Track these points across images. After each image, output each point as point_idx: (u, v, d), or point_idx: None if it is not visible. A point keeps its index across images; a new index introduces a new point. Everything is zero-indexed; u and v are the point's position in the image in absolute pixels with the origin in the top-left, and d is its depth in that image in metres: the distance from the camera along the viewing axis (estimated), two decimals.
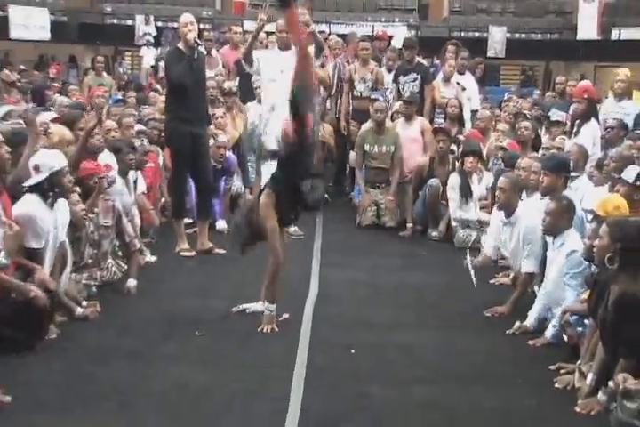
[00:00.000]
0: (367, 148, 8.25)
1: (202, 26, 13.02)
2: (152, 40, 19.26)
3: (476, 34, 21.18)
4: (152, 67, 15.36)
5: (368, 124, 8.42)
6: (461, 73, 9.61)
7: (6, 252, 4.38)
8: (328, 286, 6.04)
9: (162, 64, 11.23)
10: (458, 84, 9.32)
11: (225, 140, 7.84)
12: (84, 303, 5.18)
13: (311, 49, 6.41)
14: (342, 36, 10.82)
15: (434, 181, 7.79)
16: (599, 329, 4.03)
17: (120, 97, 10.38)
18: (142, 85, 13.32)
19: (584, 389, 4.05)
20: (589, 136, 7.36)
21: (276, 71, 6.91)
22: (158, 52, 16.61)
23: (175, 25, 9.27)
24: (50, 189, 4.86)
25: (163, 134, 7.38)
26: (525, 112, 9.60)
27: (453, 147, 8.14)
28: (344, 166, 9.67)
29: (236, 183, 8.27)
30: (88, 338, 4.77)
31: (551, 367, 4.48)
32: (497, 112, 9.92)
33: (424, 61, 10.38)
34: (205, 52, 7.31)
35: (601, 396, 3.83)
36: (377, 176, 8.34)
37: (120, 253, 6.05)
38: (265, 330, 4.94)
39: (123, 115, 7.63)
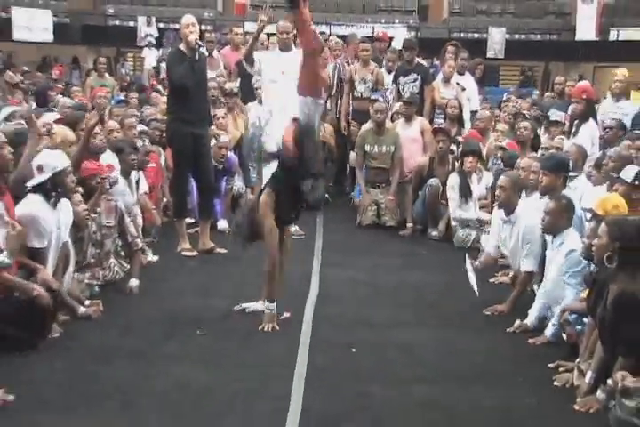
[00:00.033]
0: (367, 148, 8.26)
1: (203, 27, 13.00)
2: (154, 41, 19.26)
3: (476, 35, 21.19)
4: (153, 68, 15.35)
5: (368, 125, 8.42)
6: (461, 74, 9.60)
7: (9, 251, 4.38)
8: (329, 286, 6.03)
9: (163, 65, 11.23)
10: (457, 84, 9.31)
11: (226, 140, 7.85)
12: (87, 303, 5.19)
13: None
14: (342, 38, 10.82)
15: (433, 181, 7.78)
16: (598, 328, 4.03)
17: (122, 98, 10.38)
18: (144, 86, 13.32)
19: (583, 387, 4.05)
20: (588, 136, 7.35)
21: (276, 72, 6.90)
22: (160, 53, 16.61)
23: (177, 26, 9.25)
24: (52, 189, 4.86)
25: (164, 135, 7.38)
26: (524, 112, 9.60)
27: (453, 147, 8.14)
28: (344, 166, 9.67)
29: (238, 183, 8.27)
30: (91, 337, 4.77)
31: (550, 365, 4.48)
32: (496, 112, 9.91)
33: (424, 62, 10.37)
34: (207, 54, 7.30)
35: (600, 394, 3.83)
36: (377, 176, 8.34)
37: (122, 253, 6.05)
38: (266, 329, 4.94)
39: (125, 115, 7.63)
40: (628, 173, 5.07)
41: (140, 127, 7.57)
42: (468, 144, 7.78)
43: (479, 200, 7.61)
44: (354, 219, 8.23)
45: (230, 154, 7.99)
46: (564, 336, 4.64)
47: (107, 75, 11.71)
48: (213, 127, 7.63)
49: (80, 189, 5.41)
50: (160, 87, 11.49)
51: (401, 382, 4.25)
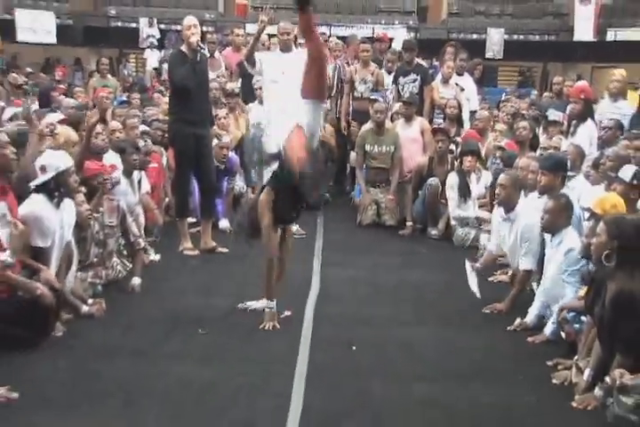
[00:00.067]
0: (367, 148, 8.26)
1: (205, 28, 13.02)
2: (156, 42, 19.23)
3: (475, 36, 21.14)
4: (155, 69, 15.34)
5: (368, 125, 8.42)
6: (460, 74, 9.60)
7: (12, 250, 4.38)
8: (329, 285, 6.03)
9: (165, 66, 11.22)
10: (457, 84, 9.31)
11: (228, 140, 7.85)
12: (90, 301, 5.19)
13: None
14: (343, 38, 10.82)
15: (433, 181, 7.78)
16: (596, 326, 4.03)
17: (125, 98, 10.38)
18: (146, 87, 13.32)
19: (581, 384, 4.05)
20: (586, 136, 7.34)
21: (277, 72, 6.89)
22: (162, 54, 16.60)
23: (179, 28, 9.25)
24: (55, 189, 4.87)
25: (166, 135, 7.39)
26: (523, 112, 9.60)
27: (452, 147, 8.14)
28: (344, 166, 9.67)
29: (239, 183, 8.27)
30: (93, 336, 4.77)
31: (549, 363, 4.48)
32: (495, 112, 9.91)
33: (423, 63, 10.36)
34: (208, 55, 7.29)
35: (598, 391, 3.83)
36: (377, 176, 8.35)
37: (125, 252, 6.05)
38: (267, 327, 4.94)
39: (127, 116, 7.64)
40: (626, 173, 5.06)
41: (142, 128, 7.57)
42: (467, 144, 7.78)
43: (478, 199, 7.61)
44: (354, 218, 8.23)
45: (232, 154, 7.99)
46: (563, 334, 4.64)
47: (109, 76, 11.69)
48: (215, 127, 7.63)
49: (83, 188, 5.42)
50: (162, 88, 11.48)
51: (401, 380, 4.25)
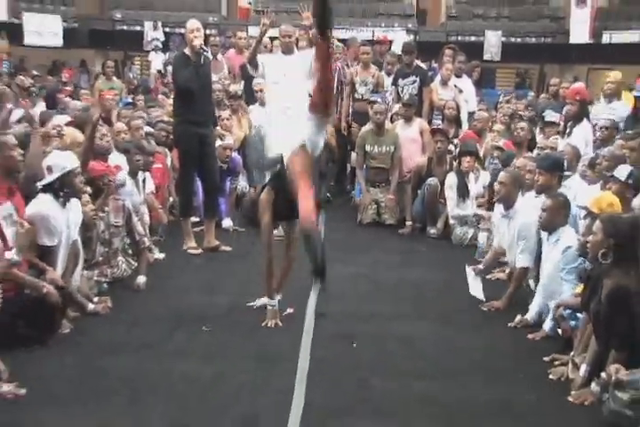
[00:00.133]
0: (368, 148, 8.25)
1: (208, 31, 13.00)
2: (160, 45, 19.26)
3: (473, 38, 21.12)
4: (158, 71, 15.33)
5: (368, 126, 8.41)
6: (458, 76, 9.58)
7: (18, 249, 4.38)
8: (330, 282, 6.00)
9: (169, 68, 11.22)
10: (455, 86, 9.30)
11: (231, 141, 7.86)
12: (96, 299, 5.19)
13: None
14: (343, 41, 10.81)
15: (432, 181, 7.78)
16: (592, 322, 4.02)
17: (130, 100, 10.38)
18: (150, 89, 13.32)
19: (577, 380, 4.05)
20: (582, 137, 7.33)
21: (279, 74, 6.88)
22: (166, 56, 16.60)
23: (182, 31, 9.25)
24: (61, 189, 4.86)
25: (170, 136, 7.39)
26: (520, 113, 9.59)
27: (451, 147, 8.14)
28: (345, 166, 9.67)
29: (242, 183, 8.29)
30: (99, 333, 4.77)
31: (545, 359, 4.47)
32: (493, 113, 9.90)
33: (422, 65, 10.35)
34: (211, 57, 7.29)
35: (594, 387, 3.83)
36: (377, 176, 8.34)
37: (130, 251, 6.04)
38: (269, 324, 4.94)
39: (132, 117, 7.64)
40: (622, 172, 5.06)
41: (147, 129, 7.57)
42: (465, 144, 7.78)
43: (476, 199, 7.60)
44: (355, 217, 8.23)
45: (234, 154, 7.98)
46: (559, 331, 4.63)
47: (114, 78, 11.69)
48: (218, 128, 7.62)
49: (89, 188, 5.41)
50: (166, 90, 11.48)
51: (401, 377, 4.24)
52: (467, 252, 6.96)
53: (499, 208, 5.91)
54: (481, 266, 5.94)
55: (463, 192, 7.52)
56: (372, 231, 7.91)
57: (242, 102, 8.91)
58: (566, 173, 6.01)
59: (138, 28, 21.02)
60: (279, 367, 4.29)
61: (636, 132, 5.96)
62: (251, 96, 8.98)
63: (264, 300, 5.14)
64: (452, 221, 7.57)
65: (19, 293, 4.42)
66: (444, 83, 9.31)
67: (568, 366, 4.22)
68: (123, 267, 5.85)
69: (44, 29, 19.52)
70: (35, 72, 14.60)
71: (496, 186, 5.93)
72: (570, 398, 3.94)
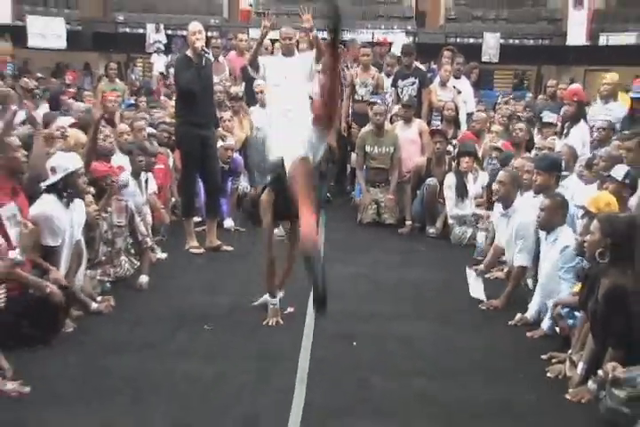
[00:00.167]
0: (367, 149, 8.25)
1: (210, 33, 13.00)
2: (162, 47, 19.27)
3: (471, 40, 21.15)
4: (161, 73, 15.33)
5: (368, 127, 8.41)
6: (457, 77, 9.59)
7: (21, 249, 4.38)
8: (330, 282, 5.98)
9: (172, 70, 11.21)
10: (454, 87, 9.31)
11: (232, 142, 7.85)
12: (99, 299, 5.19)
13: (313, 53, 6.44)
14: (343, 43, 10.78)
15: (431, 181, 7.77)
16: (589, 321, 4.02)
17: (132, 102, 10.38)
18: (152, 90, 13.32)
19: (575, 378, 4.04)
20: (579, 137, 7.33)
21: (280, 76, 6.87)
22: (168, 58, 16.59)
23: (184, 33, 9.25)
24: (64, 190, 4.86)
25: (173, 137, 7.39)
26: (518, 114, 9.58)
27: (450, 148, 8.13)
28: (345, 167, 9.67)
29: (243, 183, 8.29)
30: (102, 332, 4.77)
31: (543, 357, 4.47)
32: (491, 114, 9.89)
33: (422, 66, 10.35)
34: (213, 59, 7.29)
35: (591, 384, 3.83)
36: (377, 176, 8.34)
37: (132, 251, 6.04)
38: (270, 323, 4.94)
39: (135, 118, 7.64)
40: (619, 172, 5.06)
41: (149, 130, 7.57)
42: (464, 145, 7.78)
43: (475, 199, 7.59)
44: (355, 217, 8.22)
45: (236, 155, 7.98)
46: (557, 329, 4.62)
47: (117, 80, 11.68)
48: (220, 129, 7.61)
49: (92, 189, 5.41)
50: (169, 91, 11.47)
51: (401, 376, 4.23)
52: (465, 251, 6.95)
53: (498, 207, 5.91)
54: (482, 267, 5.93)
55: (462, 192, 7.51)
56: (372, 231, 7.90)
57: (243, 104, 8.90)
58: (564, 173, 6.01)
59: (140, 30, 21.06)
60: (280, 367, 4.29)
61: (633, 133, 5.95)
62: (252, 97, 8.97)
63: (266, 297, 5.14)
64: (450, 221, 7.57)
65: (22, 292, 4.41)
66: (443, 84, 9.31)
67: (565, 364, 4.21)
68: (125, 266, 5.85)
69: (47, 32, 19.57)
70: (38, 74, 14.60)
71: (495, 185, 5.94)
72: (567, 396, 3.93)
